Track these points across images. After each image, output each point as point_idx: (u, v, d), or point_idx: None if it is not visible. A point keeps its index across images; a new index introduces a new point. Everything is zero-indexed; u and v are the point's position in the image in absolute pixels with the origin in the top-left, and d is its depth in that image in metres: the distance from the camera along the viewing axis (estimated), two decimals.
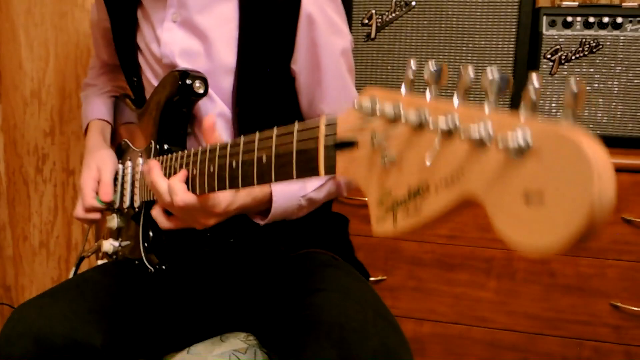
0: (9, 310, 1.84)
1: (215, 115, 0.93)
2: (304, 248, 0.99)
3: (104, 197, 1.01)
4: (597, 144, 0.33)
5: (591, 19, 1.33)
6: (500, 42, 1.36)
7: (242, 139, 0.66)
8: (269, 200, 0.87)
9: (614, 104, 1.35)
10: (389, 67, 1.42)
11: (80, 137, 1.70)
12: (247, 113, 0.93)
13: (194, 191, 0.76)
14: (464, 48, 1.38)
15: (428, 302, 1.42)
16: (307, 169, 0.56)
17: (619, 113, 1.35)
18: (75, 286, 0.94)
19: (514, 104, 1.36)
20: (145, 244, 0.92)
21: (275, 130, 0.61)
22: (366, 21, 1.41)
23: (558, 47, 1.35)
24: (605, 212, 0.32)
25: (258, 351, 0.95)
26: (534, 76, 0.38)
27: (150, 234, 0.93)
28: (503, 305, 1.38)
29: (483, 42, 1.36)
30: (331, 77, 0.92)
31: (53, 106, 1.72)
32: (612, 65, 1.34)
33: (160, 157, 0.87)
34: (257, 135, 0.64)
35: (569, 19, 1.34)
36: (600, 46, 1.33)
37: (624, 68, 1.33)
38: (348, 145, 0.50)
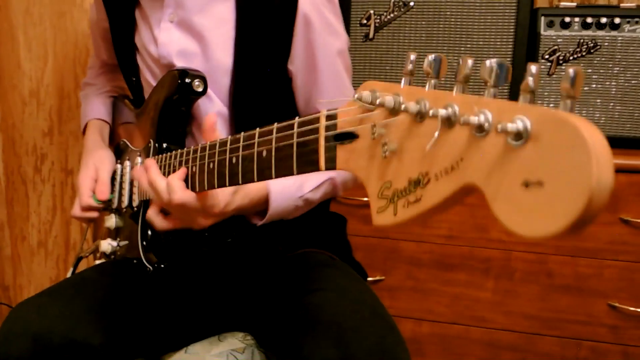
0: (7, 309, 1.84)
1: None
2: (301, 248, 0.99)
3: (100, 196, 1.01)
4: (595, 129, 0.33)
5: (589, 20, 1.33)
6: (499, 43, 1.36)
7: (243, 134, 0.66)
8: (266, 201, 0.87)
9: (611, 104, 1.35)
10: (387, 67, 1.42)
11: (79, 137, 1.70)
12: (244, 113, 0.93)
13: (193, 189, 0.76)
14: (462, 48, 1.38)
15: (426, 302, 1.42)
16: (308, 162, 0.56)
17: (616, 113, 1.35)
18: (73, 285, 0.94)
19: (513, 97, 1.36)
20: (144, 243, 0.92)
21: (275, 125, 0.61)
22: (364, 21, 1.42)
23: (556, 47, 1.35)
24: (603, 197, 0.32)
25: (256, 351, 0.95)
26: (532, 67, 0.38)
27: (149, 232, 0.93)
28: (501, 305, 1.38)
29: (481, 43, 1.37)
30: (328, 77, 0.93)
31: (52, 106, 1.72)
32: (610, 65, 1.34)
33: (159, 155, 0.88)
34: (258, 130, 0.64)
35: (567, 19, 1.34)
36: (598, 47, 1.34)
37: (621, 68, 1.34)
38: (348, 137, 0.50)
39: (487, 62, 0.40)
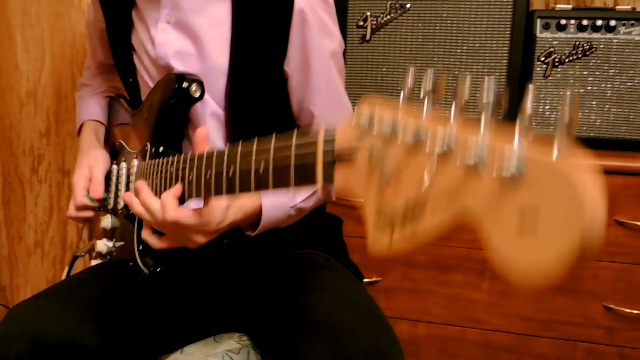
0: (3, 310, 1.84)
1: (209, 116, 0.94)
2: (297, 249, 0.99)
3: (94, 195, 1.01)
4: (589, 176, 0.34)
5: (585, 22, 1.33)
6: (495, 45, 1.36)
7: (240, 148, 0.66)
8: (259, 214, 0.87)
9: (607, 106, 1.36)
10: (383, 69, 1.43)
11: (76, 138, 1.68)
12: (241, 114, 0.94)
13: (190, 196, 0.76)
14: (459, 50, 1.38)
15: (423, 303, 1.43)
16: (305, 183, 0.56)
17: (612, 115, 1.36)
18: (70, 287, 0.94)
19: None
20: (140, 247, 0.92)
21: (273, 142, 0.61)
22: (361, 23, 1.42)
23: (552, 49, 1.35)
24: (594, 247, 0.33)
25: (251, 351, 0.95)
26: (528, 103, 0.38)
27: None
28: (497, 306, 1.38)
29: (477, 45, 1.37)
30: (320, 79, 0.93)
31: (49, 106, 1.72)
32: (606, 68, 1.34)
33: (157, 159, 0.88)
34: (255, 145, 0.64)
35: (563, 21, 1.34)
36: (594, 49, 1.34)
37: (617, 71, 1.34)
38: (346, 160, 0.50)
39: (485, 93, 0.40)
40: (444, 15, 1.38)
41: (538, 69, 1.36)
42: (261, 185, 0.63)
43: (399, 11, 1.40)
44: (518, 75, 1.36)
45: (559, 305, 1.35)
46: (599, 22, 1.33)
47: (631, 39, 1.33)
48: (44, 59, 1.69)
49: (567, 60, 1.35)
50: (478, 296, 1.39)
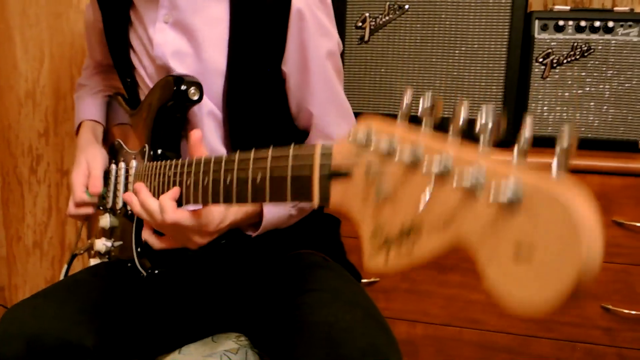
0: (2, 310, 1.84)
1: (206, 116, 0.94)
2: (295, 249, 0.99)
3: (93, 190, 1.01)
4: (586, 203, 0.33)
5: (583, 23, 1.34)
6: (493, 46, 1.36)
7: (237, 156, 0.67)
8: (259, 213, 0.87)
9: (605, 107, 1.36)
10: (382, 70, 1.43)
11: (75, 138, 1.69)
12: (238, 114, 0.94)
13: (187, 202, 0.77)
14: (457, 51, 1.38)
15: (421, 303, 1.43)
16: (301, 196, 0.56)
17: (610, 116, 1.36)
18: (67, 287, 0.94)
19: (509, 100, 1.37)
20: (138, 249, 0.92)
21: (270, 152, 0.61)
22: (360, 24, 1.42)
23: (550, 50, 1.36)
24: (591, 277, 0.32)
25: (249, 351, 0.95)
26: (526, 126, 0.38)
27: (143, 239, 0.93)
28: (495, 307, 1.37)
29: (476, 46, 1.37)
30: (318, 78, 0.93)
31: (47, 107, 1.72)
32: (604, 69, 1.35)
33: (155, 162, 0.88)
34: (252, 154, 0.64)
35: (561, 22, 1.35)
36: (592, 50, 1.34)
37: (615, 72, 1.34)
38: (342, 175, 0.50)
39: (483, 117, 0.39)
40: (443, 16, 1.38)
41: (536, 70, 1.37)
42: (258, 194, 0.63)
43: (397, 12, 1.40)
44: (516, 76, 1.36)
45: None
46: (597, 24, 1.33)
47: (629, 40, 1.33)
48: (43, 59, 1.69)
49: (565, 61, 1.35)
50: (476, 297, 1.39)
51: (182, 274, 0.98)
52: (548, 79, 1.36)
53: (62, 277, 1.14)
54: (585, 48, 1.34)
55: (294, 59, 0.91)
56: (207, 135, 0.94)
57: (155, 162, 0.87)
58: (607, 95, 1.35)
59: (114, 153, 1.09)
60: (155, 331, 0.95)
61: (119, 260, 1.00)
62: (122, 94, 1.14)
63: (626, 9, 1.37)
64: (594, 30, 1.34)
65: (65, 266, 1.17)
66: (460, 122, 0.42)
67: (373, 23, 1.41)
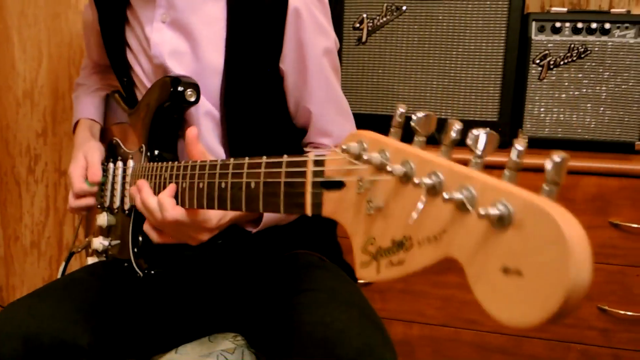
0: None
1: (203, 116, 0.94)
2: (291, 249, 0.99)
3: (92, 178, 1.00)
4: (576, 223, 0.33)
5: (580, 25, 1.34)
6: (490, 47, 1.37)
7: (232, 161, 0.67)
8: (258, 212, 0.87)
9: (602, 109, 1.36)
10: (379, 71, 1.43)
11: (73, 138, 1.70)
12: (236, 114, 0.94)
13: (183, 205, 0.77)
14: (454, 52, 1.39)
15: (417, 304, 1.43)
16: (294, 204, 0.56)
17: (606, 118, 1.36)
18: (64, 286, 0.94)
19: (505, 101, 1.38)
20: (135, 249, 0.93)
21: (264, 158, 0.62)
22: (357, 25, 1.42)
23: (547, 52, 1.36)
24: (580, 295, 0.33)
25: (246, 351, 0.96)
26: (517, 144, 0.38)
27: (140, 239, 0.93)
28: None
29: (473, 47, 1.38)
30: (316, 77, 0.93)
31: (45, 107, 1.72)
32: (601, 70, 1.35)
33: (152, 163, 0.88)
34: (247, 160, 0.65)
35: (558, 24, 1.35)
36: (589, 52, 1.35)
37: (612, 73, 1.35)
38: (335, 185, 0.51)
39: (475, 131, 0.40)
40: (440, 17, 1.38)
41: (533, 71, 1.37)
42: (252, 203, 0.63)
43: (395, 13, 1.40)
44: (513, 78, 1.37)
45: None
46: (594, 25, 1.34)
47: (626, 42, 1.33)
48: (41, 60, 1.69)
49: (562, 62, 1.36)
50: (472, 298, 1.38)
51: (178, 274, 0.99)
52: (545, 80, 1.37)
53: (59, 275, 1.14)
54: (582, 50, 1.35)
55: (291, 57, 0.91)
56: (205, 136, 0.95)
57: (151, 163, 0.88)
58: (603, 97, 1.36)
59: (111, 152, 1.09)
60: (152, 331, 0.95)
61: (116, 260, 1.00)
62: (120, 92, 1.14)
63: (623, 10, 1.37)
64: (590, 31, 1.34)
65: (63, 264, 1.17)
66: (453, 136, 0.42)
67: (370, 24, 1.41)
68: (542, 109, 1.38)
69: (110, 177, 1.04)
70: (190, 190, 0.75)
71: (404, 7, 1.39)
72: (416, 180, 0.41)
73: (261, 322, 0.91)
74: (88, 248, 1.10)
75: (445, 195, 0.38)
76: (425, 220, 0.41)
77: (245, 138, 0.95)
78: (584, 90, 1.36)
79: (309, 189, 0.54)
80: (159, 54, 0.95)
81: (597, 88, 1.36)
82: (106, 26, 1.05)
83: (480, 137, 0.40)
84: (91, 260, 1.08)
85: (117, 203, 1.01)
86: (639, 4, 1.55)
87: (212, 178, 0.70)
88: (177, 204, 0.77)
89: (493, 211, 0.35)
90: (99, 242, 1.03)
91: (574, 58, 1.35)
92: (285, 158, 0.58)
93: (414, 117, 0.45)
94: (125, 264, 0.94)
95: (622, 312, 1.31)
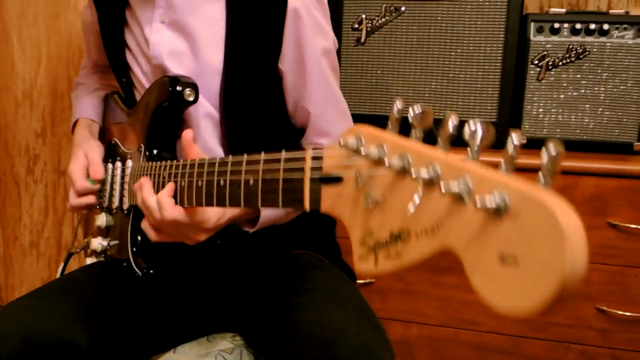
0: None
1: (202, 116, 0.94)
2: (290, 249, 0.99)
3: (94, 176, 1.00)
4: (572, 213, 0.34)
5: (578, 26, 1.34)
6: (489, 48, 1.37)
7: (230, 158, 0.67)
8: (257, 208, 0.88)
9: (600, 109, 1.36)
10: (378, 72, 1.43)
11: (72, 138, 1.70)
12: (235, 114, 0.94)
13: (182, 203, 0.77)
14: (453, 53, 1.39)
15: (416, 304, 1.43)
16: (293, 200, 0.56)
17: (605, 119, 1.36)
18: (62, 286, 0.94)
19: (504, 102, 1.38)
20: (134, 249, 0.93)
21: (262, 155, 0.62)
22: (356, 26, 1.43)
23: (545, 53, 1.36)
24: (576, 284, 0.33)
25: (244, 351, 0.96)
26: (514, 134, 0.38)
27: (139, 238, 0.93)
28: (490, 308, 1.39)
29: (471, 48, 1.38)
30: (314, 77, 0.93)
31: (45, 107, 1.72)
32: (599, 71, 1.35)
33: (150, 163, 0.88)
34: (245, 157, 0.65)
35: (557, 25, 1.35)
36: (587, 52, 1.35)
37: (610, 74, 1.35)
38: (333, 180, 0.51)
39: (471, 124, 0.40)
40: (439, 18, 1.38)
41: (532, 72, 1.37)
42: (251, 199, 0.63)
43: (393, 14, 1.40)
44: (512, 78, 1.37)
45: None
46: (593, 26, 1.34)
47: (624, 43, 1.34)
48: (40, 60, 1.69)
49: (560, 63, 1.36)
50: (471, 298, 1.38)
51: (177, 273, 0.99)
52: (543, 81, 1.37)
53: (58, 275, 1.14)
54: (581, 50, 1.35)
55: (290, 57, 0.92)
56: (204, 136, 0.95)
57: (150, 163, 0.88)
58: (602, 98, 1.36)
59: (110, 152, 1.09)
60: (150, 331, 0.95)
61: (114, 260, 1.00)
62: (119, 92, 1.14)
63: (621, 11, 1.37)
64: (589, 32, 1.34)
65: (62, 264, 1.17)
66: (450, 130, 0.42)
67: (369, 25, 1.42)
68: (540, 110, 1.38)
69: (109, 177, 1.05)
70: (189, 189, 0.75)
71: (403, 8, 1.40)
72: (413, 174, 0.41)
73: (259, 322, 0.91)
74: (87, 248, 1.10)
75: (442, 187, 0.38)
76: (423, 212, 0.41)
77: (244, 138, 0.95)
78: (583, 91, 1.36)
79: (307, 185, 0.54)
80: (157, 54, 0.95)
81: (596, 89, 1.36)
82: (105, 27, 1.05)
83: (477, 130, 0.40)
84: (90, 260, 1.08)
85: (115, 203, 1.01)
86: (637, 5, 1.55)
87: (211, 176, 0.70)
88: (176, 202, 0.77)
89: (489, 201, 0.36)
90: (97, 243, 1.03)
91: (573, 59, 1.35)
92: (284, 154, 0.58)
93: (411, 111, 0.45)
94: (124, 264, 0.94)
95: (620, 312, 1.31)
